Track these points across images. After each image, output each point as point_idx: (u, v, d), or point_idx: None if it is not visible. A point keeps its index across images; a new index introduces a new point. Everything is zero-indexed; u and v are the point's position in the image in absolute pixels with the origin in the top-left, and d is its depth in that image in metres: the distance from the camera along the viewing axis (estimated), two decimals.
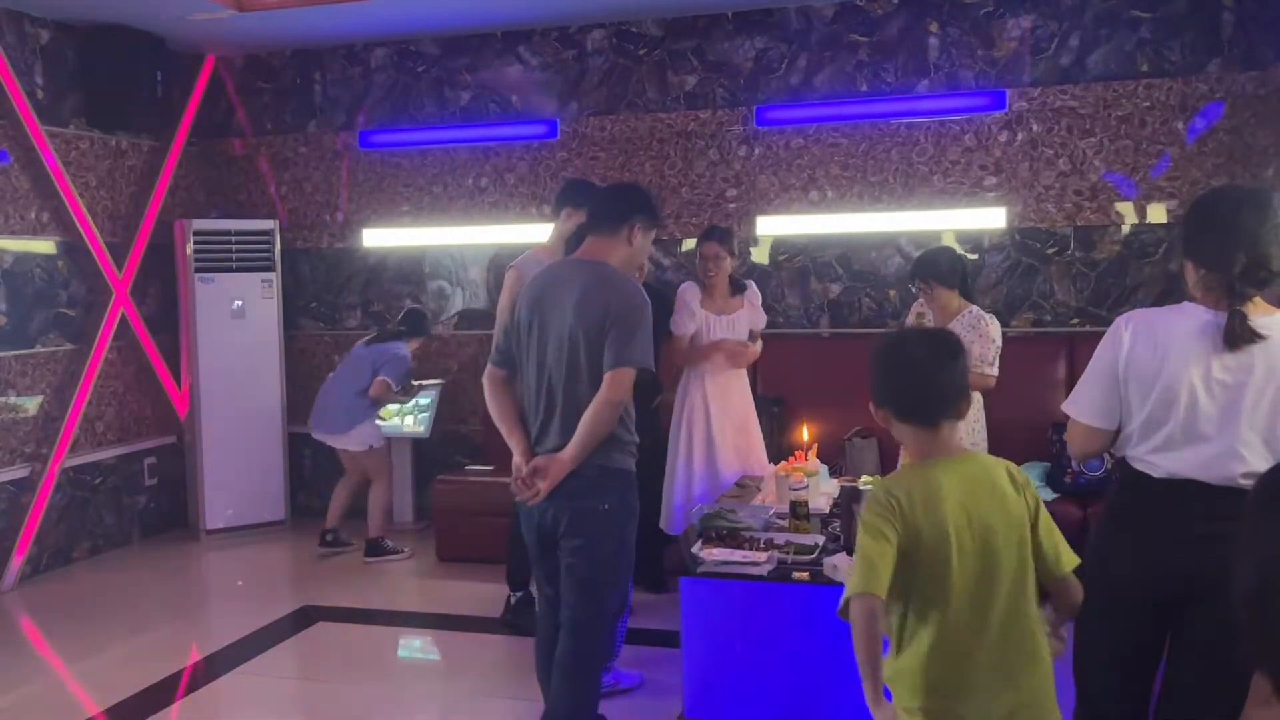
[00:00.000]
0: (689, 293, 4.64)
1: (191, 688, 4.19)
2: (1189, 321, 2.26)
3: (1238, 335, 2.20)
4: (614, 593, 3.18)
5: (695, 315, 4.59)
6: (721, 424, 4.60)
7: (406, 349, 5.80)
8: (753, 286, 4.78)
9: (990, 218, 5.53)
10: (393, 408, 6.04)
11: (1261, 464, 2.21)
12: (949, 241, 5.64)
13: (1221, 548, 1.95)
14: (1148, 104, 5.31)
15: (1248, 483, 2.19)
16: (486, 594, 4.89)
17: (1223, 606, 1.92)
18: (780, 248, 5.90)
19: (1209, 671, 2.11)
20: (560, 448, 3.02)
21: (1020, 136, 5.50)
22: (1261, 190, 2.49)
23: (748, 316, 4.72)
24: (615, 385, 2.97)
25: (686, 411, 4.63)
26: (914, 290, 4.49)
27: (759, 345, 4.73)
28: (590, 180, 4.98)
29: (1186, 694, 2.34)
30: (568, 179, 5.13)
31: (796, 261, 5.86)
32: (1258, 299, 2.27)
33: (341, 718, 3.93)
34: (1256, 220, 2.26)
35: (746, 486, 4.44)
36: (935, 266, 4.28)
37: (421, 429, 6.25)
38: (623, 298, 3.02)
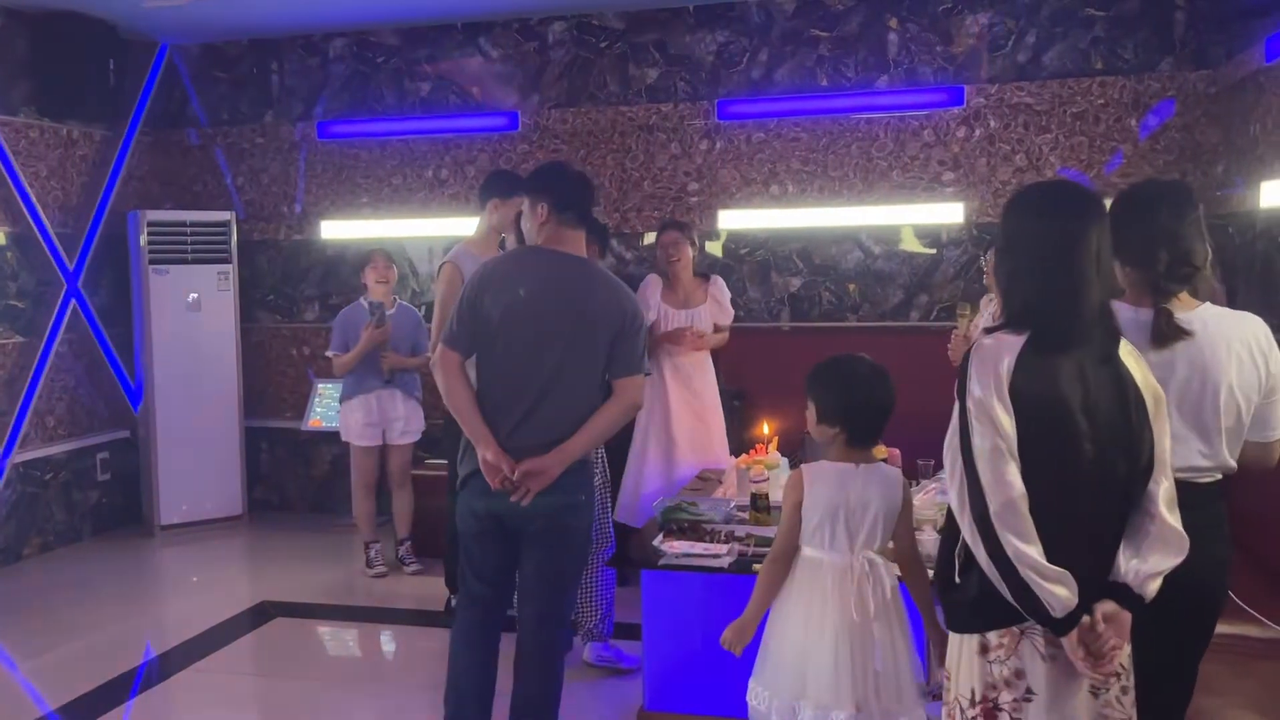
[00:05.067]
0: (649, 286, 4.69)
1: (145, 685, 4.14)
2: None
3: (1164, 333, 2.23)
4: (578, 582, 3.22)
5: (652, 308, 4.63)
6: (680, 417, 4.64)
7: (347, 309, 5.42)
8: (718, 280, 4.80)
9: (948, 213, 5.58)
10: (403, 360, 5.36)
11: (1196, 457, 2.26)
12: (907, 237, 5.70)
13: None
14: (1102, 101, 5.38)
15: (1185, 476, 2.22)
16: (443, 588, 4.86)
17: (1161, 597, 1.99)
18: (741, 241, 5.91)
19: (1143, 659, 2.15)
20: (540, 443, 2.94)
21: (978, 132, 5.55)
22: (1179, 185, 2.51)
23: (710, 311, 4.75)
24: (634, 392, 3.02)
25: (646, 405, 4.66)
26: (984, 261, 4.51)
27: (720, 336, 4.76)
28: (512, 171, 4.96)
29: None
30: (492, 172, 5.07)
31: (757, 255, 5.88)
32: (1183, 295, 2.30)
33: (299, 714, 3.90)
34: (1174, 217, 2.29)
35: (708, 479, 4.46)
36: None
37: None
38: (634, 306, 3.05)
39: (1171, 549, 1.99)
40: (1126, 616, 1.97)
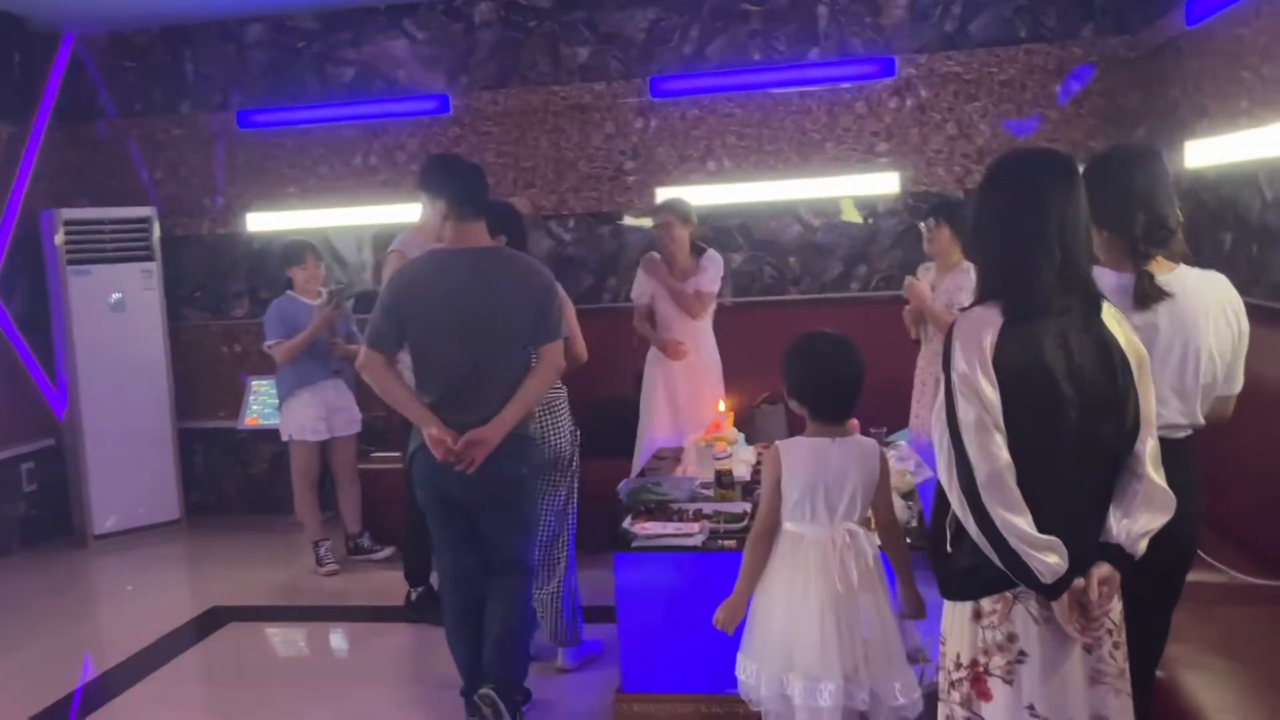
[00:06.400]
0: (645, 265, 4.80)
1: (95, 704, 3.96)
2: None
3: (1147, 294, 2.29)
4: (533, 547, 3.50)
5: (645, 291, 4.77)
6: (678, 388, 4.71)
7: (278, 301, 5.27)
8: (710, 254, 4.76)
9: (884, 183, 5.65)
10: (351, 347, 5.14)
11: (1175, 416, 2.33)
12: (847, 208, 5.75)
13: None
14: (1028, 68, 5.49)
15: (1163, 434, 2.28)
16: (398, 582, 4.78)
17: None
18: None
19: (1127, 617, 2.21)
20: (479, 420, 3.16)
21: (909, 102, 5.62)
22: (1150, 149, 2.58)
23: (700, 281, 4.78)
24: (555, 357, 3.28)
25: (648, 381, 4.77)
26: (924, 228, 4.42)
27: (696, 302, 4.71)
28: (452, 156, 4.90)
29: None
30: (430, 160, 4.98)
31: (697, 232, 5.85)
32: (1159, 258, 2.36)
33: (264, 718, 3.80)
34: (1149, 180, 2.36)
35: (665, 458, 4.46)
36: (951, 209, 4.38)
37: None
38: (543, 280, 3.29)
39: (1159, 507, 2.04)
40: (1118, 576, 2.02)
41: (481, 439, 3.14)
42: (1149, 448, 2.05)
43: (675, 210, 4.74)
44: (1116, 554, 2.02)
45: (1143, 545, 2.03)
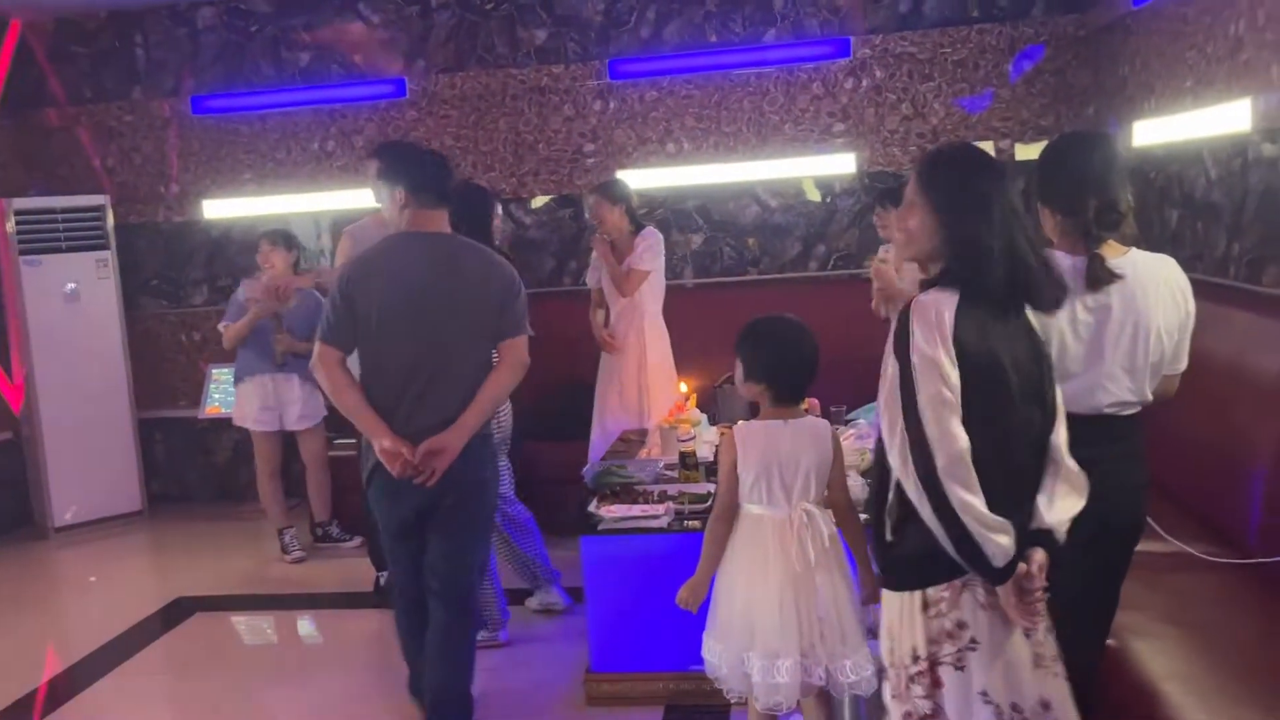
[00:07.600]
0: (595, 247, 4.84)
1: (62, 699, 3.94)
2: None
3: (1098, 277, 2.34)
4: (480, 575, 3.32)
5: (594, 268, 4.88)
6: (624, 382, 4.74)
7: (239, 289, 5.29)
8: (645, 231, 4.76)
9: (841, 163, 5.70)
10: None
11: (1125, 393, 2.40)
12: (801, 189, 5.80)
13: (1093, 471, 2.14)
14: (980, 48, 5.55)
15: (1112, 410, 2.37)
16: (361, 568, 4.80)
17: (1090, 528, 2.11)
18: (640, 201, 5.87)
19: (1080, 589, 2.28)
20: (436, 423, 2.95)
21: (865, 83, 5.67)
22: (1105, 135, 2.66)
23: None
24: (520, 352, 3.08)
25: (600, 368, 4.91)
26: (876, 220, 4.44)
27: (626, 277, 4.71)
28: (413, 143, 4.91)
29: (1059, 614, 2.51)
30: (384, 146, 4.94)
31: (657, 214, 5.89)
32: (1111, 241, 2.42)
33: (236, 710, 3.80)
34: (1104, 165, 2.42)
35: (630, 441, 4.50)
36: (897, 194, 4.35)
37: None
38: (508, 274, 3.11)
39: (1078, 491, 2.09)
40: (1049, 561, 2.05)
41: (441, 447, 2.91)
42: (1063, 436, 2.10)
43: (602, 191, 4.81)
44: (1048, 539, 2.05)
45: (1065, 530, 2.07)
